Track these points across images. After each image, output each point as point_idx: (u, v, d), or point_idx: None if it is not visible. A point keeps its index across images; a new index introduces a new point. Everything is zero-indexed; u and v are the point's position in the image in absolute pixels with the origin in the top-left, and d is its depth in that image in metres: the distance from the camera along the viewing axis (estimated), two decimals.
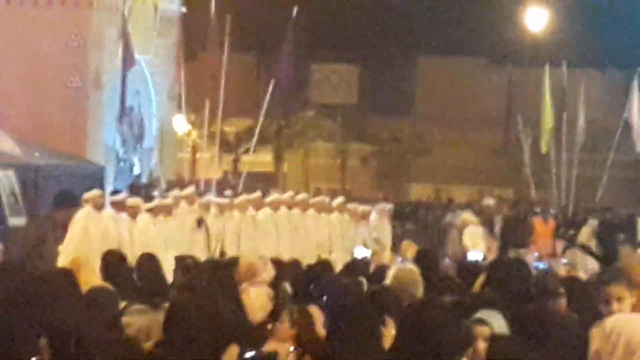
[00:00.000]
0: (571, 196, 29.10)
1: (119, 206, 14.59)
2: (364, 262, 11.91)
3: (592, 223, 22.77)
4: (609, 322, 4.42)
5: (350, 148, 42.43)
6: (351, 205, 18.42)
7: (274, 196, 17.76)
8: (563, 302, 6.87)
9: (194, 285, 8.25)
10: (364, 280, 9.49)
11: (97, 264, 8.87)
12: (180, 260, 10.48)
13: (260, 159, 36.34)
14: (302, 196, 18.13)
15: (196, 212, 15.89)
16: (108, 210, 14.80)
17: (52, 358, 5.46)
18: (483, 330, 5.82)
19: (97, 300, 6.81)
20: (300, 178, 41.32)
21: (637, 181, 40.98)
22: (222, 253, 15.37)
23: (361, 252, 13.24)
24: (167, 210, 15.00)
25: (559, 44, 35.62)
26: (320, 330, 6.76)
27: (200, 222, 15.71)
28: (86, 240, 13.71)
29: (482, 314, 6.80)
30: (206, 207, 16.29)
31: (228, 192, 17.16)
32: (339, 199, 18.69)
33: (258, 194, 17.45)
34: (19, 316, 6.63)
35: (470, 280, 9.93)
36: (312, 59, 42.29)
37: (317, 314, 7.05)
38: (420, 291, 7.97)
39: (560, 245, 16.48)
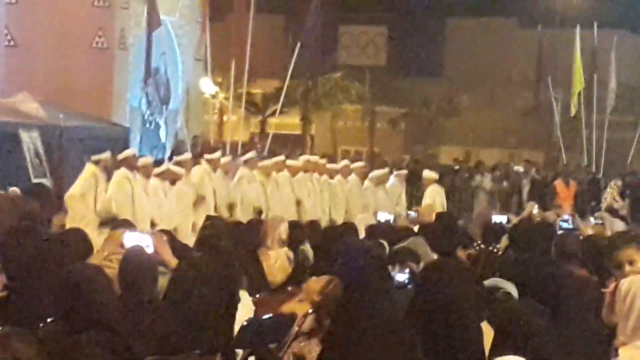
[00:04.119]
0: (602, 159, 28.79)
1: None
2: (387, 225, 11.81)
3: (616, 183, 22.61)
4: (623, 283, 4.36)
5: (379, 110, 42.17)
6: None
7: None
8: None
9: (213, 244, 8.14)
10: (385, 243, 9.40)
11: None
12: (206, 220, 10.43)
13: (287, 121, 36.21)
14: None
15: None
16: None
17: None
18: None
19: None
20: (328, 140, 41.19)
21: None
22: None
23: (384, 216, 13.12)
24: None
25: (590, 4, 35.15)
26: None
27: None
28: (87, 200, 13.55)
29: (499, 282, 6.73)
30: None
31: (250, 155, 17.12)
32: (358, 164, 18.82)
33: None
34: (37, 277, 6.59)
35: (493, 242, 9.86)
36: (341, 21, 42.02)
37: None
38: None
39: (584, 206, 16.35)
